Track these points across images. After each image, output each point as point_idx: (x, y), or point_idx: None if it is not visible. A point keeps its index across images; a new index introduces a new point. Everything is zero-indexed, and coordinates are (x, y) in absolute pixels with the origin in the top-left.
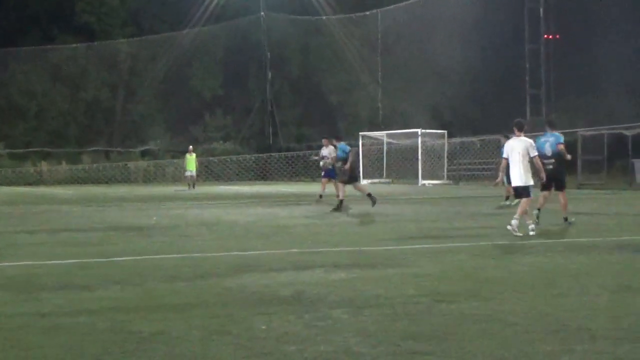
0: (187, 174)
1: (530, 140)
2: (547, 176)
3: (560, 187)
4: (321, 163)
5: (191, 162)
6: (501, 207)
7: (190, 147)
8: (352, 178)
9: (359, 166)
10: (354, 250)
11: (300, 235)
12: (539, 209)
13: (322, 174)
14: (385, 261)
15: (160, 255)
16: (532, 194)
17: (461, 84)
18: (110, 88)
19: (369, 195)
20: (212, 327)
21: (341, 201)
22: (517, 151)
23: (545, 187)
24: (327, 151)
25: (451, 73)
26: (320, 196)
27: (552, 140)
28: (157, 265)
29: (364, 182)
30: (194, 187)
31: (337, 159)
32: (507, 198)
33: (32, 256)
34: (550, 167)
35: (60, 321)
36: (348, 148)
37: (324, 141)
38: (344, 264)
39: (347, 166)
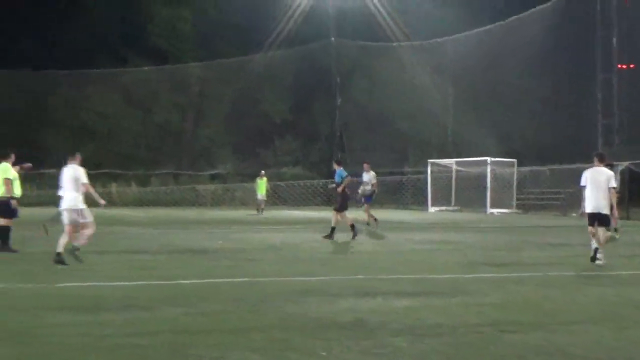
0: (258, 197)
1: (612, 172)
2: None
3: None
4: (360, 189)
5: (262, 186)
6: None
7: (262, 171)
8: (341, 206)
9: (351, 196)
10: (417, 277)
11: (364, 261)
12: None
13: (363, 200)
14: (449, 289)
15: (223, 279)
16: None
17: (531, 113)
18: (180, 111)
19: (352, 226)
20: (271, 352)
21: (352, 226)
22: (600, 180)
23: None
24: (368, 177)
25: (521, 101)
26: (368, 223)
27: None
28: (220, 289)
29: (432, 209)
30: (262, 212)
31: (335, 183)
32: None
33: (99, 277)
34: None
35: (121, 342)
36: (345, 174)
37: (365, 166)
38: (407, 292)
39: (340, 190)
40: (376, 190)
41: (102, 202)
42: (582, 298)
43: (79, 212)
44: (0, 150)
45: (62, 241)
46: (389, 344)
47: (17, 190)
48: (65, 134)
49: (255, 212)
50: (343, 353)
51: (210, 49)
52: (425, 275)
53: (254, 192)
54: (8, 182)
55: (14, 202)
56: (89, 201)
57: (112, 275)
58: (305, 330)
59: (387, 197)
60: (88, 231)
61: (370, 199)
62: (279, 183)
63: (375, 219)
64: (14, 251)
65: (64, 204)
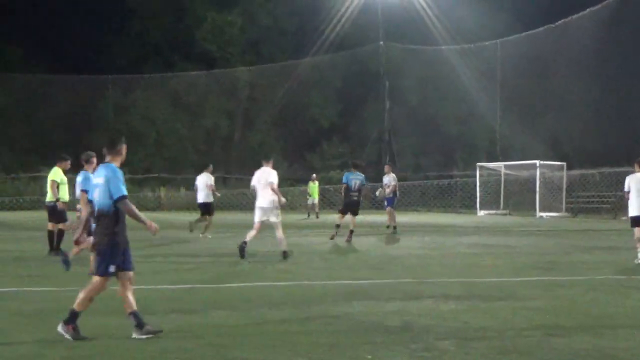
0: (309, 201)
1: None
2: None
3: None
4: (378, 192)
5: (314, 190)
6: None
7: (314, 175)
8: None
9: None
10: (465, 281)
11: (412, 265)
12: None
13: (385, 202)
14: (497, 293)
15: (269, 282)
16: None
17: (582, 116)
18: (229, 115)
19: (350, 234)
20: (316, 356)
21: (350, 231)
22: None
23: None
24: (387, 179)
25: (572, 104)
26: (390, 226)
27: None
28: (265, 292)
29: (481, 212)
30: (317, 216)
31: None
32: None
33: (146, 281)
34: None
35: (167, 345)
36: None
37: (386, 168)
38: (454, 295)
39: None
40: (397, 193)
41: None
42: (630, 302)
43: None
44: (59, 154)
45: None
46: (436, 347)
47: (64, 194)
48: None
49: (306, 216)
50: (389, 357)
51: (258, 53)
52: (474, 278)
53: (305, 196)
54: (54, 184)
55: (59, 205)
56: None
57: (159, 279)
58: (351, 334)
59: (436, 201)
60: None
61: (391, 201)
62: (327, 187)
63: (395, 227)
64: (65, 256)
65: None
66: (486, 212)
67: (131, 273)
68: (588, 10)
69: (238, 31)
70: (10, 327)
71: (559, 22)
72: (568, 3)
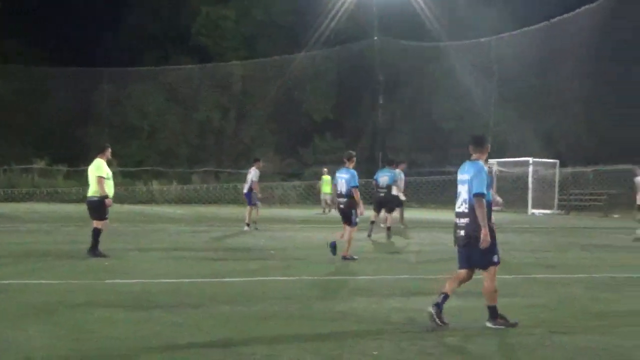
0: (324, 196)
1: None
2: None
3: None
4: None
5: (326, 183)
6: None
7: (325, 169)
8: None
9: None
10: None
11: (409, 261)
12: None
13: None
14: (500, 290)
15: (270, 277)
16: None
17: (576, 114)
18: (222, 109)
19: (388, 230)
20: (324, 351)
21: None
22: None
23: None
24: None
25: (566, 102)
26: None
27: None
28: (267, 287)
29: None
30: (329, 210)
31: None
32: None
33: (146, 274)
34: None
35: (174, 339)
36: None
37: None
38: (457, 292)
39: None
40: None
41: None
42: (632, 300)
43: None
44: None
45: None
46: (441, 343)
47: (110, 190)
48: (108, 131)
49: (321, 211)
50: (395, 353)
51: (253, 47)
52: (475, 275)
53: (318, 191)
54: (101, 180)
55: (108, 201)
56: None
57: (159, 273)
58: (356, 330)
59: (430, 197)
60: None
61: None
62: (320, 181)
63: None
64: (104, 256)
65: None
66: None
67: None
68: (584, 8)
69: (233, 25)
70: (19, 319)
71: (555, 19)
72: (565, 0)
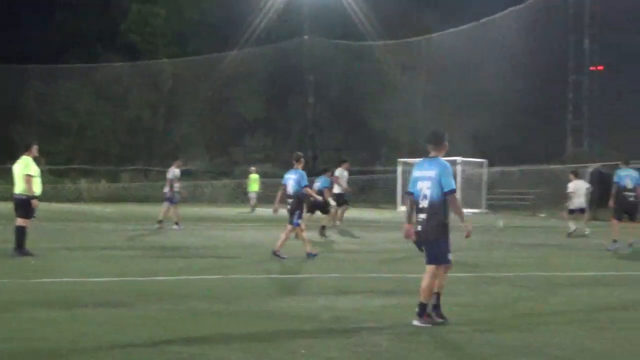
0: (250, 195)
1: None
2: (626, 206)
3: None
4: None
5: (253, 182)
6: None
7: (252, 167)
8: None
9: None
10: (392, 277)
11: (339, 260)
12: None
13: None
14: None
15: (198, 276)
16: None
17: (504, 113)
18: (152, 107)
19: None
20: (252, 350)
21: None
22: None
23: (619, 216)
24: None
25: (494, 102)
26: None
27: (633, 175)
28: (195, 286)
29: (401, 208)
30: (253, 209)
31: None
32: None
33: (73, 273)
34: (631, 199)
35: (100, 339)
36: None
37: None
38: (384, 290)
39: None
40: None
41: None
42: (556, 299)
43: None
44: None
45: None
46: (369, 342)
47: (38, 188)
48: (36, 129)
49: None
50: (323, 351)
51: (183, 46)
52: (401, 274)
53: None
54: (29, 179)
55: (34, 202)
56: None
57: (86, 272)
58: (285, 328)
59: (358, 196)
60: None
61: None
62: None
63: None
64: (31, 255)
65: None
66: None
67: None
68: (510, 9)
69: (163, 23)
70: None
71: (483, 20)
72: (494, 1)
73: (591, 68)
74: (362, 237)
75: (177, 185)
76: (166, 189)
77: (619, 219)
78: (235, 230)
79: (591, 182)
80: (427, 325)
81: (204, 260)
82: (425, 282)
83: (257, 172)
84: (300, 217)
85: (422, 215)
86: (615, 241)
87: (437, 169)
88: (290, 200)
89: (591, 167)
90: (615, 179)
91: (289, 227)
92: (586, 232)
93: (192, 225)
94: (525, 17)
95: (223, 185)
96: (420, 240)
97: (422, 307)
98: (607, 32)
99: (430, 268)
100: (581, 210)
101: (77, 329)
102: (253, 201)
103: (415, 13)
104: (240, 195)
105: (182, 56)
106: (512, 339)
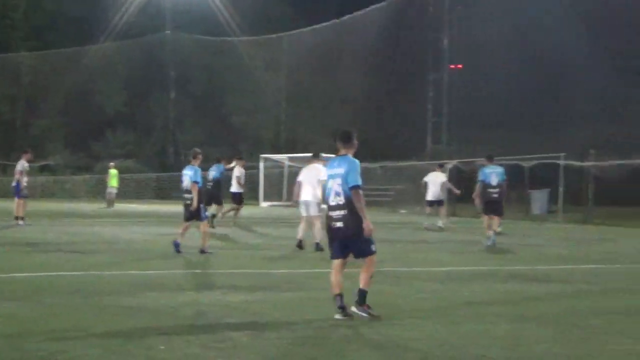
0: (109, 190)
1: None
2: (492, 204)
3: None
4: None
5: (112, 178)
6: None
7: (112, 163)
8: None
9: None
10: (252, 272)
11: (199, 256)
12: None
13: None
14: (284, 284)
15: (57, 272)
16: None
17: (364, 110)
18: (11, 101)
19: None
20: (111, 346)
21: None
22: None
23: (487, 212)
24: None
25: (355, 98)
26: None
27: (498, 172)
28: (54, 282)
29: (264, 204)
30: (109, 205)
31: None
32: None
33: None
34: (495, 195)
35: None
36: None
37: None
38: (243, 286)
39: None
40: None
41: None
42: (413, 293)
43: None
44: None
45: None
46: (230, 338)
47: None
48: None
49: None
50: (183, 347)
51: (43, 39)
52: (262, 270)
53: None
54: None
55: None
56: None
57: None
58: (144, 324)
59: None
60: None
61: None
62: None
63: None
64: None
65: None
66: (269, 203)
67: None
68: (371, 7)
69: (21, 16)
70: None
71: (345, 17)
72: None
73: (450, 66)
74: (227, 233)
75: (25, 180)
76: (14, 183)
77: (487, 214)
78: (95, 226)
79: (450, 178)
80: (364, 314)
81: (63, 256)
82: (365, 271)
83: (116, 168)
84: (206, 210)
85: (340, 212)
86: (489, 237)
87: (345, 166)
88: (188, 196)
89: (450, 164)
90: (480, 176)
91: (200, 224)
92: (439, 224)
93: (50, 220)
94: (386, 16)
95: (84, 180)
96: (340, 237)
97: (362, 294)
98: (465, 30)
99: (368, 259)
100: (439, 203)
101: None
102: (112, 196)
103: (277, 10)
104: (101, 191)
105: (42, 49)
106: (372, 333)
